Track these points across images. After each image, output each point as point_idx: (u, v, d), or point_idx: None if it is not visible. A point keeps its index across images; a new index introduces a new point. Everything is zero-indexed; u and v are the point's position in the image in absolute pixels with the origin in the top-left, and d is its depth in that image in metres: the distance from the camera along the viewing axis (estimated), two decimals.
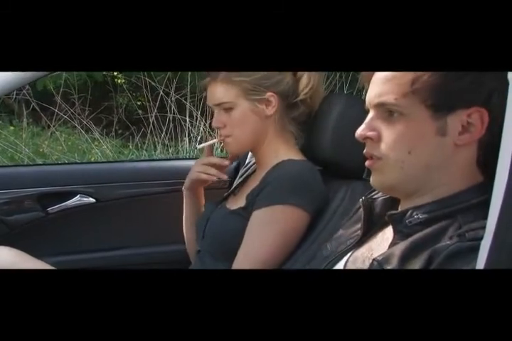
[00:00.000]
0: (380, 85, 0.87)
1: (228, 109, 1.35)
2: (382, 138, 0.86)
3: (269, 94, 1.35)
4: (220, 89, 1.34)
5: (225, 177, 1.46)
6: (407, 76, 0.83)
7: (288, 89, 1.37)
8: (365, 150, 0.89)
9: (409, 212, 0.86)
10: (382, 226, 0.93)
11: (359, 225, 0.97)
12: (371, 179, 0.91)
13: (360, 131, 0.89)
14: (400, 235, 0.86)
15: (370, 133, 0.88)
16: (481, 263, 0.65)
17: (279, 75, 1.35)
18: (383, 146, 0.86)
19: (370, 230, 0.95)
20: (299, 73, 1.39)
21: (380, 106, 0.87)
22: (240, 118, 1.35)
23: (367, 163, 0.90)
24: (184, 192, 1.53)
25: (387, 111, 0.86)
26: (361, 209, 0.96)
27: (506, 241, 0.64)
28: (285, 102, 1.38)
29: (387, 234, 0.90)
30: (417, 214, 0.85)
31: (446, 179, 0.85)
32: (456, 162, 0.85)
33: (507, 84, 0.78)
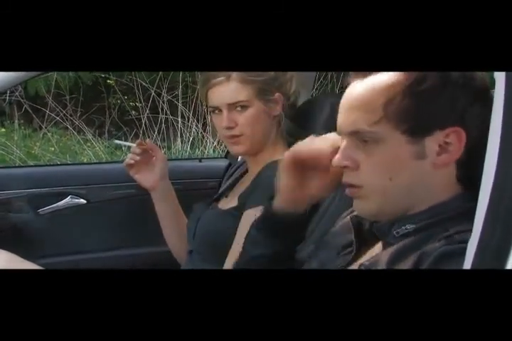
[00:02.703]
0: (351, 112, 0.84)
1: (243, 108, 1.35)
2: (361, 166, 0.84)
3: (277, 94, 1.38)
4: (235, 88, 1.34)
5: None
6: (378, 102, 0.81)
7: (289, 91, 1.42)
8: (343, 180, 0.87)
9: (396, 224, 0.85)
10: (372, 242, 0.91)
11: (348, 239, 0.94)
12: (355, 207, 0.89)
13: (336, 160, 0.86)
14: (388, 247, 0.85)
15: (346, 163, 0.85)
16: (467, 265, 0.66)
17: (282, 76, 1.39)
18: (363, 175, 0.84)
19: (361, 248, 0.92)
20: (288, 76, 1.41)
21: (354, 135, 0.84)
22: (254, 117, 1.36)
23: (347, 192, 0.87)
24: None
25: (362, 139, 0.83)
26: (350, 225, 0.94)
27: (490, 244, 0.64)
28: (286, 103, 1.42)
29: (378, 250, 0.89)
30: (404, 225, 0.84)
31: (428, 196, 0.84)
32: (436, 180, 0.84)
33: (480, 95, 0.78)
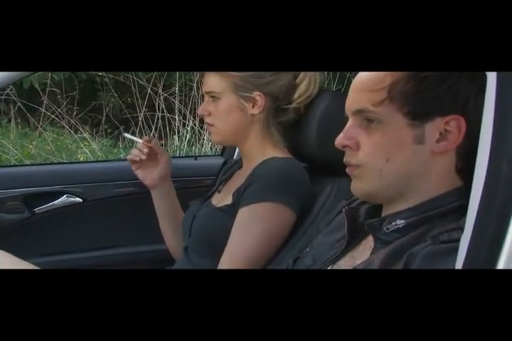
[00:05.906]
0: (358, 92, 0.87)
1: (215, 99, 1.37)
2: (361, 146, 0.86)
3: (256, 93, 1.35)
4: (213, 79, 1.36)
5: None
6: (384, 83, 0.84)
7: (279, 92, 1.37)
8: (344, 159, 0.89)
9: (387, 219, 0.86)
10: (365, 235, 0.93)
11: (342, 234, 0.96)
12: (352, 187, 0.91)
13: (338, 140, 0.89)
14: (379, 243, 0.87)
15: (348, 142, 0.87)
16: (460, 261, 0.66)
17: (272, 76, 1.35)
18: (361, 154, 0.86)
19: (353, 240, 0.94)
20: (299, 79, 1.38)
21: (358, 114, 0.86)
22: (224, 110, 1.37)
23: (347, 170, 0.90)
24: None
25: (365, 119, 0.86)
26: (344, 217, 0.95)
27: (483, 240, 0.64)
28: (274, 104, 1.38)
29: (370, 242, 0.90)
30: (394, 221, 0.85)
31: (426, 185, 0.85)
32: (434, 169, 0.85)
33: (484, 85, 0.78)
